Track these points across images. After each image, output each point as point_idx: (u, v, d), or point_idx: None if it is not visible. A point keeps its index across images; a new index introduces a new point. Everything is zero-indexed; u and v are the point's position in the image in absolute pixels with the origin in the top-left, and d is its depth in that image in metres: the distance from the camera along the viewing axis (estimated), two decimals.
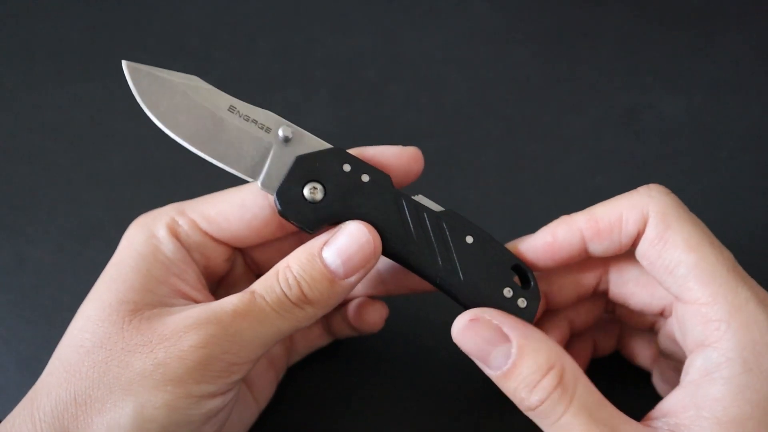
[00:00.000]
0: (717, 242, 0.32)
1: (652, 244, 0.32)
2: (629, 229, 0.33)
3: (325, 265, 0.31)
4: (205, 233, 0.35)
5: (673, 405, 0.31)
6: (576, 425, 0.29)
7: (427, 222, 0.33)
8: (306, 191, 0.33)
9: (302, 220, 0.33)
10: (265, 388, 0.40)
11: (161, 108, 0.32)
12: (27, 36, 0.57)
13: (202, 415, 0.30)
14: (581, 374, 0.31)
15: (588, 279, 0.37)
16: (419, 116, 0.54)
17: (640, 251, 0.33)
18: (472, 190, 0.51)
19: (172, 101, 0.33)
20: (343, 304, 0.41)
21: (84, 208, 0.49)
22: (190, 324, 0.30)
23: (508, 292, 0.33)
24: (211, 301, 0.34)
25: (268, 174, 0.33)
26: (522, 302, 0.33)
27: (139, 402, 0.29)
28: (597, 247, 0.34)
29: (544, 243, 0.34)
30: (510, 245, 0.35)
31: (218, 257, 0.36)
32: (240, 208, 0.35)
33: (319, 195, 0.33)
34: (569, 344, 0.40)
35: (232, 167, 0.33)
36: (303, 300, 0.31)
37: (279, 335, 0.31)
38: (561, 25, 0.59)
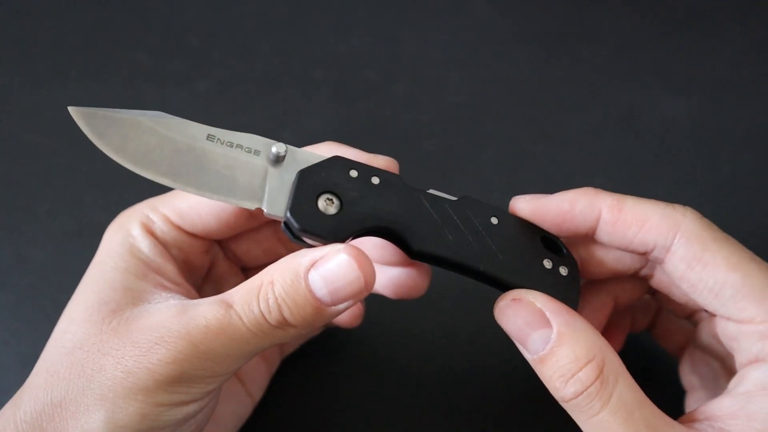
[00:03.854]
0: (758, 258, 0.31)
1: (691, 267, 0.31)
2: (647, 236, 0.31)
3: (311, 291, 0.29)
4: (179, 228, 0.35)
5: (720, 410, 0.30)
6: (614, 424, 0.28)
7: (452, 212, 0.32)
8: (321, 204, 0.30)
9: (325, 235, 0.30)
10: (258, 382, 0.40)
11: (129, 150, 0.30)
12: (27, 36, 0.57)
13: (177, 420, 0.30)
14: (623, 370, 0.30)
15: (633, 260, 0.35)
16: (419, 116, 0.54)
17: (675, 273, 0.31)
18: (472, 190, 0.50)
19: (141, 141, 0.29)
20: None
21: (84, 208, 0.49)
22: (161, 336, 0.29)
23: (547, 263, 0.32)
24: (192, 293, 0.34)
25: (270, 198, 0.30)
26: (563, 270, 0.32)
27: (110, 408, 0.28)
28: (605, 236, 0.32)
29: (558, 209, 0.32)
30: (519, 200, 0.33)
31: (196, 250, 0.36)
32: (209, 200, 0.33)
33: (334, 207, 0.30)
34: (609, 318, 0.38)
35: (228, 198, 0.30)
36: (283, 323, 0.29)
37: (256, 351, 0.30)
38: (561, 25, 0.59)
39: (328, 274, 0.29)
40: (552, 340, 0.29)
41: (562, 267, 0.32)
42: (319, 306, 0.29)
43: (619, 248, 0.33)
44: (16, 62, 0.56)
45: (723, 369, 0.36)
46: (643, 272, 0.36)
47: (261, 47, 0.57)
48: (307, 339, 0.43)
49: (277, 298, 0.29)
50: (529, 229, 0.33)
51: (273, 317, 0.29)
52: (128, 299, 0.31)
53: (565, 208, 0.32)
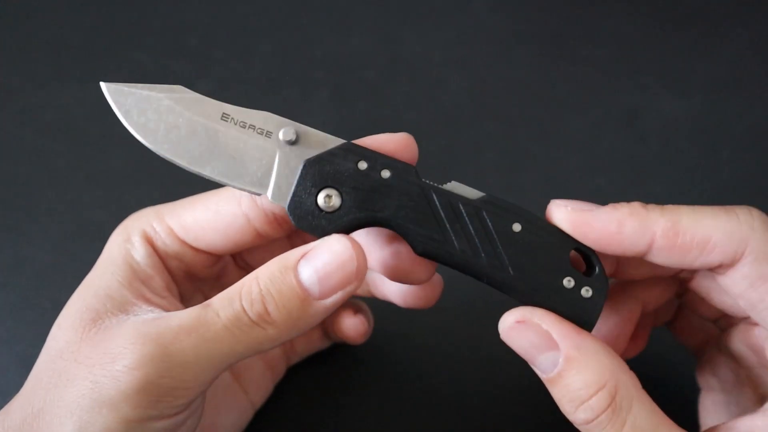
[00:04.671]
0: None
1: (754, 286, 0.29)
2: (712, 258, 0.29)
3: (299, 281, 0.28)
4: (183, 241, 0.34)
5: (751, 428, 0.29)
6: None
7: (464, 214, 0.29)
8: (320, 200, 0.29)
9: (320, 233, 0.29)
10: (261, 389, 0.39)
11: (150, 128, 0.30)
12: (27, 36, 0.57)
13: None
14: (638, 393, 0.28)
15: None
16: (419, 116, 0.54)
17: (734, 289, 0.29)
18: None
19: (160, 119, 0.30)
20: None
21: (84, 208, 0.49)
22: (131, 339, 0.27)
23: (568, 282, 0.29)
24: (177, 308, 0.32)
25: (276, 184, 0.30)
26: (586, 291, 0.29)
27: (78, 423, 0.27)
28: (661, 259, 0.29)
29: (603, 229, 0.29)
30: (559, 208, 0.30)
31: (199, 264, 0.35)
32: (215, 216, 0.33)
33: (335, 202, 0.29)
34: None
35: (236, 183, 0.30)
36: (264, 319, 0.28)
37: (232, 357, 0.28)
38: (561, 25, 0.59)
39: (318, 261, 0.28)
40: (560, 364, 0.28)
41: (585, 288, 0.30)
42: (306, 298, 0.28)
43: (677, 269, 0.31)
44: (16, 62, 0.56)
45: (749, 378, 0.35)
46: (684, 274, 0.34)
47: (261, 47, 0.57)
48: (312, 351, 0.42)
49: (261, 290, 0.28)
50: (558, 239, 0.30)
51: (254, 310, 0.28)
52: (108, 307, 0.30)
53: (611, 230, 0.29)
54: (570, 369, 0.28)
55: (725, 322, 0.36)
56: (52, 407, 0.28)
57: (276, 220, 0.33)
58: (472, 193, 0.30)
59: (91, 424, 0.27)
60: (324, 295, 0.28)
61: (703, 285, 0.33)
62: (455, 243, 0.29)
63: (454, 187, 0.30)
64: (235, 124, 0.30)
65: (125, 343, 0.28)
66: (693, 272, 0.33)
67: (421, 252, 0.30)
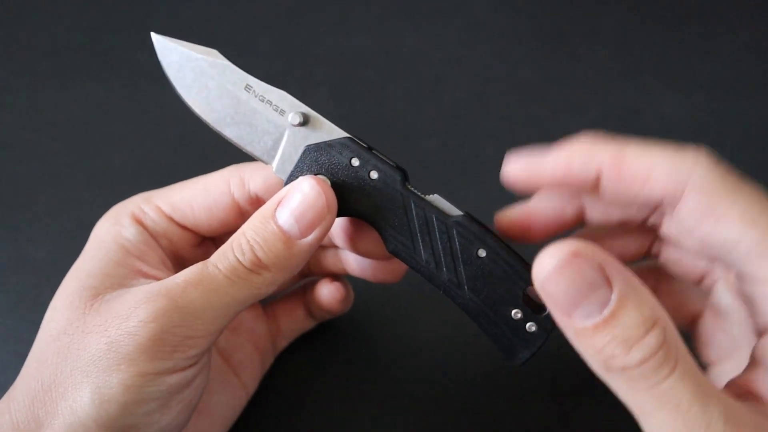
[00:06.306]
0: None
1: (701, 221, 0.28)
2: (652, 191, 0.28)
3: (279, 226, 0.30)
4: (170, 219, 0.35)
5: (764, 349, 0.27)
6: (683, 391, 0.25)
7: (436, 230, 0.31)
8: None
9: None
10: (252, 372, 0.40)
11: (186, 83, 0.33)
12: (27, 36, 0.57)
13: (163, 392, 0.30)
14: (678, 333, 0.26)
15: (641, 209, 0.32)
16: (419, 116, 0.54)
17: (682, 228, 0.29)
18: (471, 190, 0.51)
19: (195, 77, 0.33)
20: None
21: (84, 208, 0.49)
22: (140, 299, 0.29)
23: (516, 314, 0.30)
24: None
25: (281, 159, 0.32)
26: (531, 326, 0.30)
27: (95, 384, 0.29)
28: (608, 194, 0.29)
29: (556, 167, 0.30)
30: (512, 163, 0.31)
31: (185, 243, 0.36)
32: (203, 193, 0.35)
33: None
34: None
35: (248, 148, 0.33)
36: (257, 264, 0.30)
37: (236, 304, 0.30)
38: (561, 25, 0.59)
39: (292, 204, 0.30)
40: (613, 301, 0.25)
41: (531, 323, 0.30)
42: (288, 239, 0.30)
43: (625, 204, 0.31)
44: (16, 62, 0.56)
45: (744, 334, 0.32)
46: (652, 221, 0.32)
47: (261, 46, 0.57)
48: (298, 332, 0.43)
49: (249, 241, 0.30)
50: (517, 273, 0.30)
51: (247, 258, 0.30)
52: (107, 284, 0.32)
53: (560, 171, 0.30)
54: (624, 306, 0.25)
55: (708, 281, 0.34)
56: (64, 378, 0.29)
57: (258, 201, 0.35)
58: (451, 209, 0.31)
59: (108, 383, 0.28)
60: (303, 234, 0.30)
61: (680, 226, 0.31)
62: (422, 253, 0.31)
63: (436, 200, 0.31)
64: (256, 96, 0.33)
65: (136, 303, 0.29)
66: (660, 217, 0.32)
67: (392, 251, 0.32)
